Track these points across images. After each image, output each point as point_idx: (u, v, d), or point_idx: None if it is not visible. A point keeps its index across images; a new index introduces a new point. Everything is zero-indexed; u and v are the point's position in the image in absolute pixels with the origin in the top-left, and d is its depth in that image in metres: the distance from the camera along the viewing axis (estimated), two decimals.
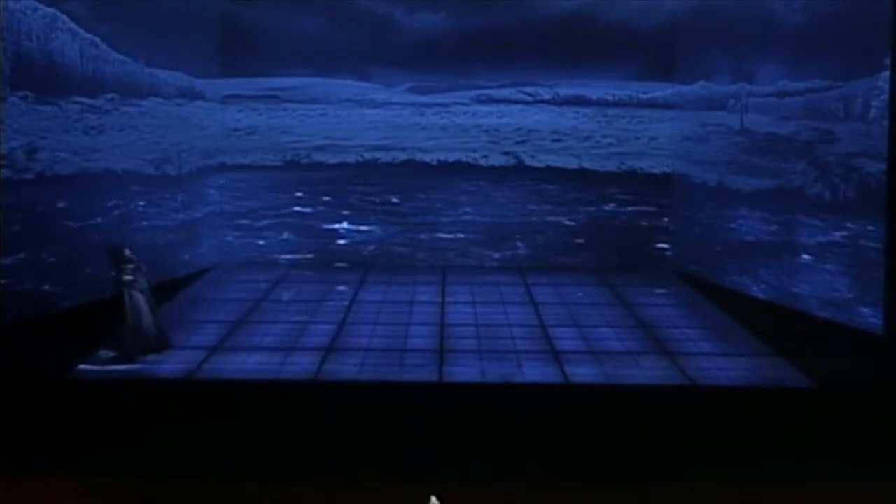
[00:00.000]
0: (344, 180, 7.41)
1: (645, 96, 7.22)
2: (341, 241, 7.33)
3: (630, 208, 7.14)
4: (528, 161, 7.43)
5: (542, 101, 7.07)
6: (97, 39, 5.48)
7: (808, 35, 5.72)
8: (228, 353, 5.35)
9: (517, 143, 7.43)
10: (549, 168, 7.42)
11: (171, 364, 5.12)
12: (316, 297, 6.53)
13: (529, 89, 7.42)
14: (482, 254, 7.33)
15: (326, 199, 7.42)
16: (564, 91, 7.16)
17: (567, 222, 7.26)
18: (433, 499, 3.50)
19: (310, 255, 7.31)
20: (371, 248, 7.32)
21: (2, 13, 4.95)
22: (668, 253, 7.09)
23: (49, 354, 4.78)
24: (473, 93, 7.49)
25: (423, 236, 7.30)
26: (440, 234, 7.21)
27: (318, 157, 7.39)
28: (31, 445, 4.26)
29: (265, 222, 7.30)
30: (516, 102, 7.42)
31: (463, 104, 7.43)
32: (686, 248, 6.77)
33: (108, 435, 4.37)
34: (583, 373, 5.09)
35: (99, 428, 4.42)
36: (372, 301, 6.43)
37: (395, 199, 7.43)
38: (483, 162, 7.49)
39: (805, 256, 5.65)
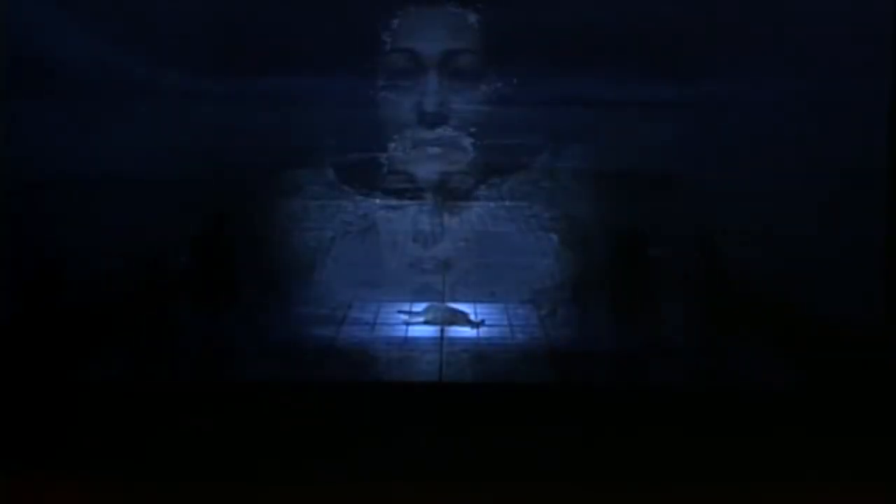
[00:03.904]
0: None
1: (645, 96, 7.20)
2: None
3: (630, 208, 7.12)
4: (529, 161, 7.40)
5: (542, 101, 7.05)
6: (98, 39, 5.48)
7: (808, 35, 5.71)
8: None
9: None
10: (549, 168, 7.40)
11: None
12: None
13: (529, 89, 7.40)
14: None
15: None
16: (564, 91, 7.15)
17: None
18: None
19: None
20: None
21: (3, 14, 4.97)
22: (669, 252, 7.08)
23: (50, 354, 4.80)
24: None
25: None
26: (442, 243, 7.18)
27: (321, 158, 7.36)
28: (31, 445, 4.28)
29: None
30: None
31: None
32: (686, 248, 6.76)
33: (108, 435, 4.39)
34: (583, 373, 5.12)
35: (100, 428, 4.44)
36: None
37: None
38: None
39: (806, 256, 5.65)
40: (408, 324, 5.22)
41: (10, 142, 4.89)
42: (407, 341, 5.13)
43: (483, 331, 5.20)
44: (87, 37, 5.16)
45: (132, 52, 5.18)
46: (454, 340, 5.10)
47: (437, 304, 5.19)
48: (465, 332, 5.17)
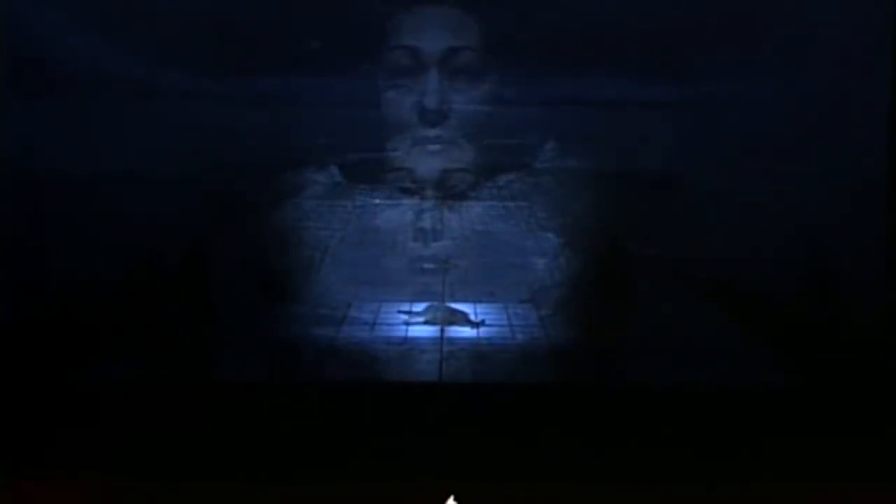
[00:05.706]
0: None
1: (645, 97, 7.17)
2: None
3: (630, 208, 7.10)
4: (529, 161, 7.39)
5: (542, 101, 7.02)
6: (97, 39, 5.47)
7: (808, 35, 5.70)
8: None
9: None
10: (549, 168, 7.37)
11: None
12: None
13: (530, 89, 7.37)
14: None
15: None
16: (564, 91, 7.12)
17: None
18: (451, 500, 3.53)
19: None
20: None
21: (2, 14, 4.97)
22: (669, 253, 7.06)
23: (50, 354, 4.80)
24: None
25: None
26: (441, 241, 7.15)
27: (321, 157, 7.32)
28: (31, 445, 4.28)
29: None
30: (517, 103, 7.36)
31: None
32: (686, 249, 6.75)
33: (108, 435, 4.39)
34: (583, 373, 5.11)
35: (100, 428, 4.44)
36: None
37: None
38: None
39: (805, 257, 5.64)
40: (407, 324, 5.22)
41: (10, 142, 4.89)
42: (407, 341, 5.13)
43: (483, 331, 5.20)
44: (87, 37, 5.15)
45: (132, 52, 5.17)
46: (454, 340, 5.10)
47: (436, 303, 5.19)
48: (465, 331, 5.17)
